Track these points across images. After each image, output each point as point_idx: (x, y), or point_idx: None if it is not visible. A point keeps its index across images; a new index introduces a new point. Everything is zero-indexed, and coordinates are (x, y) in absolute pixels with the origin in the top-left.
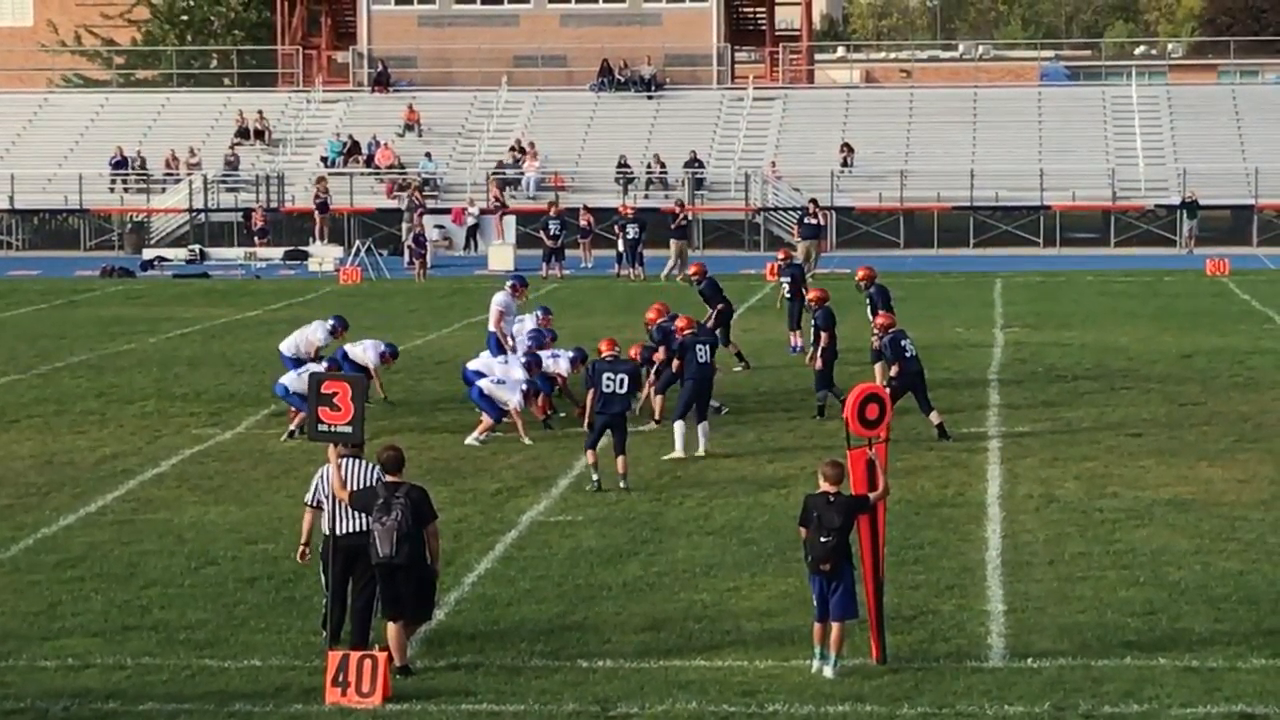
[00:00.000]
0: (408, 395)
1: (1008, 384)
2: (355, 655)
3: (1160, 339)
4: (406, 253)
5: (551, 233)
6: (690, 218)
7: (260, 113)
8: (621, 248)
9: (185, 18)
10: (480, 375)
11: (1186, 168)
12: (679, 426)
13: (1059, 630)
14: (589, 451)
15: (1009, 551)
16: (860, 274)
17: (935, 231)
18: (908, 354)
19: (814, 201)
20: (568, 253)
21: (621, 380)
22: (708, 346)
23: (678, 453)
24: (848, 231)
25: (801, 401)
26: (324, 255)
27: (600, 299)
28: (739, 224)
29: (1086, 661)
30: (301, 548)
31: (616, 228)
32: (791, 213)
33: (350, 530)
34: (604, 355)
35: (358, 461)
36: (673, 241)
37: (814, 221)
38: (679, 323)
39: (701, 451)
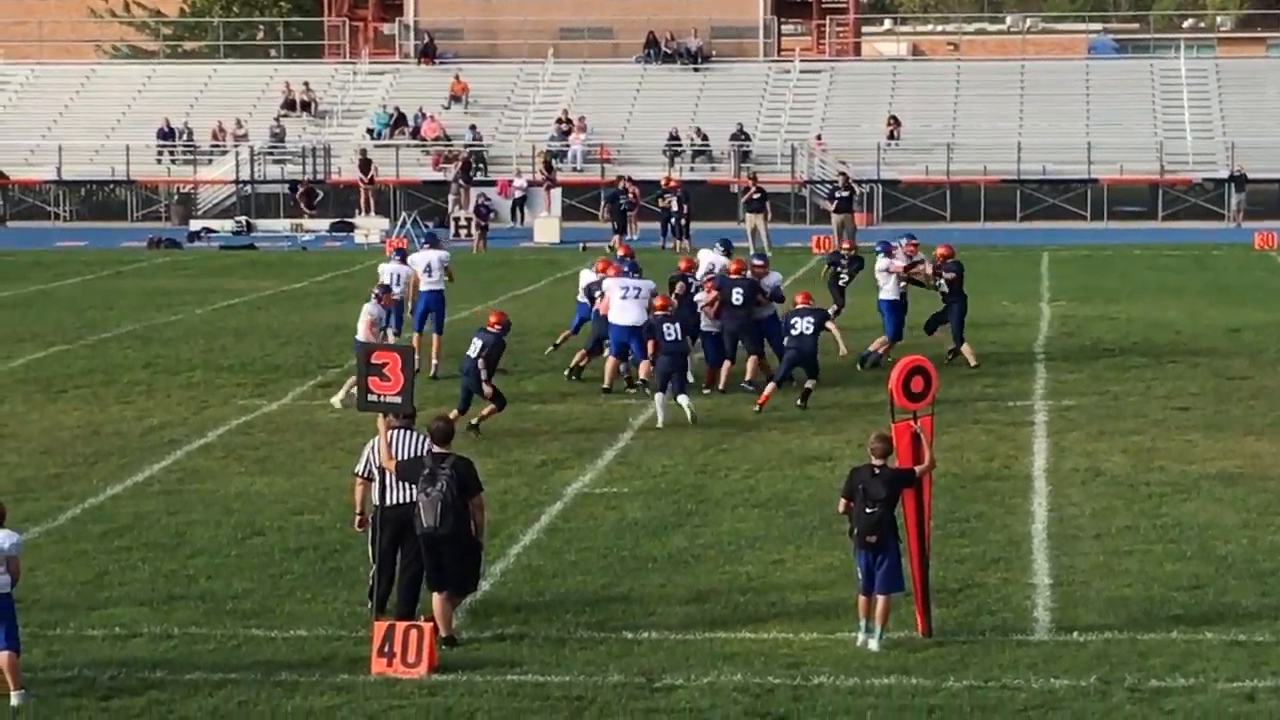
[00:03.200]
0: (452, 368)
1: (1054, 358)
2: (401, 626)
3: (1208, 313)
4: (451, 225)
5: (620, 206)
6: (764, 190)
7: (306, 84)
8: (671, 220)
9: None
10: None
11: (1235, 141)
12: (659, 399)
13: (1105, 604)
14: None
15: (1055, 525)
16: (939, 252)
17: (982, 205)
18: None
19: (843, 174)
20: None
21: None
22: (677, 325)
23: (660, 423)
24: (894, 205)
25: (847, 374)
26: (370, 227)
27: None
28: (785, 197)
29: (1132, 635)
30: (356, 517)
31: (660, 200)
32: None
33: (400, 501)
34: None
35: (408, 433)
36: (748, 216)
37: (845, 195)
38: (656, 302)
39: (688, 418)
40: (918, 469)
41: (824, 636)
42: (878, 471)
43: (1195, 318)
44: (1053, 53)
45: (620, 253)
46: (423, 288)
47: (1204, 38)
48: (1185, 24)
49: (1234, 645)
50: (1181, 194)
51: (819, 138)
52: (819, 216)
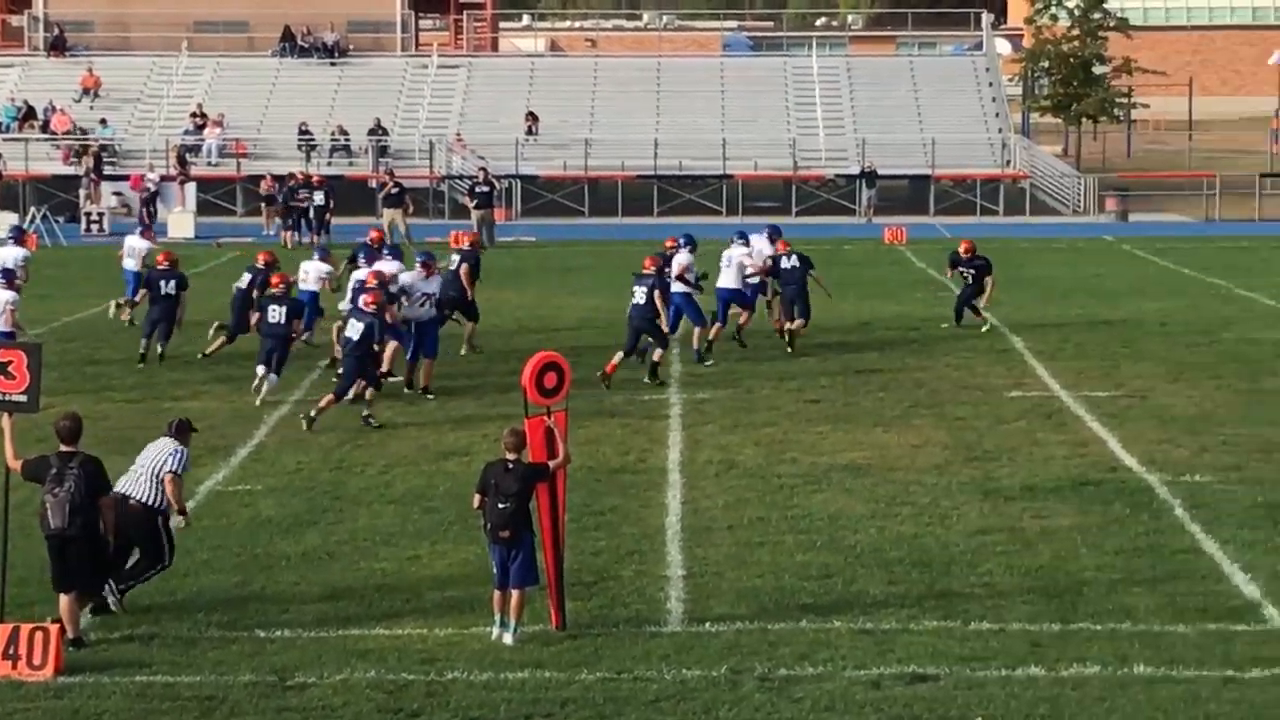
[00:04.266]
0: (83, 363)
1: (689, 351)
2: (26, 627)
3: (839, 306)
4: (83, 219)
5: (289, 203)
6: (402, 185)
7: None
8: (312, 215)
9: None
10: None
11: (866, 138)
12: (259, 370)
13: (737, 595)
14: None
15: (689, 517)
16: (963, 246)
17: (620, 200)
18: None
19: (484, 169)
20: (249, 221)
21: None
22: (282, 308)
23: (257, 401)
24: (533, 200)
25: (483, 370)
26: None
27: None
28: (424, 192)
29: (763, 625)
30: (182, 517)
31: (297, 195)
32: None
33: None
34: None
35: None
36: (386, 211)
37: (485, 190)
38: (273, 279)
39: (258, 401)
40: (551, 464)
41: (459, 631)
42: (511, 466)
43: (827, 310)
44: (689, 50)
45: (372, 236)
46: None
47: (836, 36)
48: (818, 22)
49: (861, 633)
50: (814, 189)
51: (459, 135)
52: (458, 211)
